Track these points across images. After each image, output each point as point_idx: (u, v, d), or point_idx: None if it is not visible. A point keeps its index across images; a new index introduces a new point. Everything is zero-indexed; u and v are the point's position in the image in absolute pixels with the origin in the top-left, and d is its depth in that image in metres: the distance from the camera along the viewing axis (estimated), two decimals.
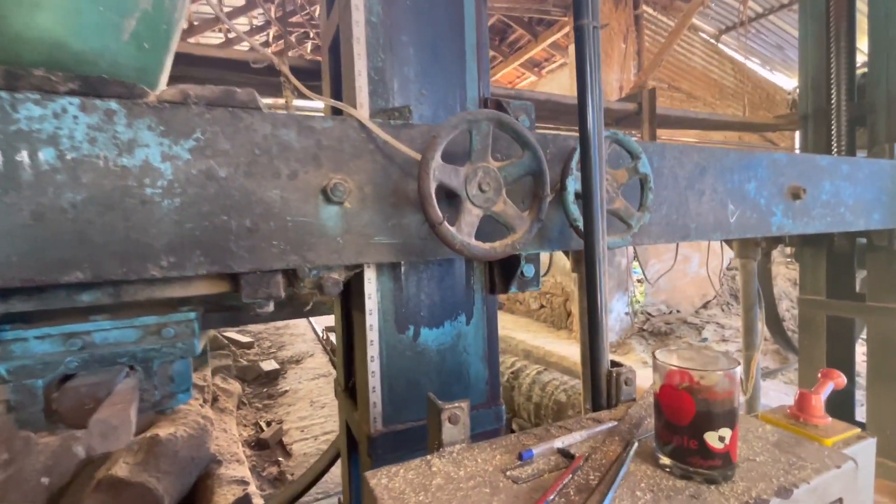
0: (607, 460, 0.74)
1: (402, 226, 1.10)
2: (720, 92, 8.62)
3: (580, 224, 1.15)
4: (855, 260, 2.73)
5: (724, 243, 2.60)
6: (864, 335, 2.83)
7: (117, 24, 0.92)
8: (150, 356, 1.03)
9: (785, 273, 7.44)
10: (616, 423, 0.88)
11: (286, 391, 5.79)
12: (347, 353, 1.63)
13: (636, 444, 0.79)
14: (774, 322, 3.17)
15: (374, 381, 1.18)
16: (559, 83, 9.58)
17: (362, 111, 1.15)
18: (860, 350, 3.22)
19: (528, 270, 1.29)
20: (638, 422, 0.87)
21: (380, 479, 0.71)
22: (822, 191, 1.92)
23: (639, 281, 7.03)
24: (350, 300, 1.42)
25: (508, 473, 0.72)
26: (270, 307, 1.01)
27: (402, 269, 1.21)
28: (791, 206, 1.82)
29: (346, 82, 1.25)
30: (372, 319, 1.18)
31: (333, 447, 2.43)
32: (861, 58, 2.88)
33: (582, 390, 1.73)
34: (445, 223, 0.93)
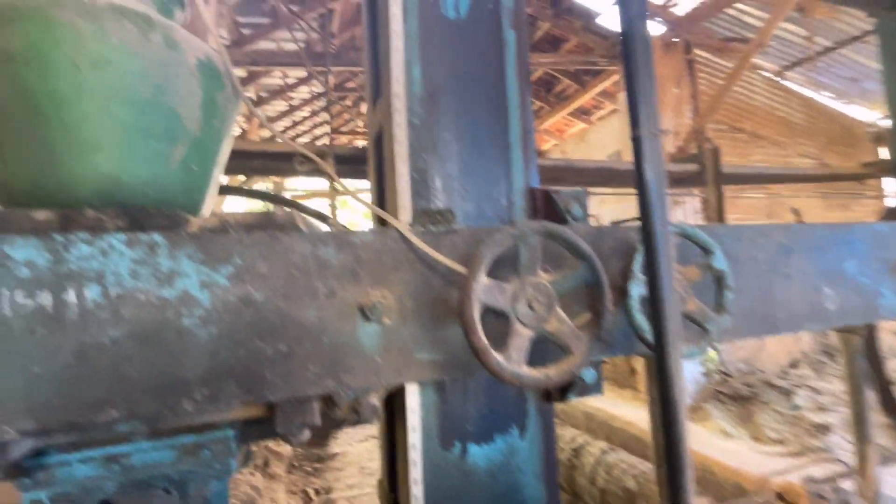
0: None
1: (445, 339, 1.01)
2: (788, 129, 8.09)
3: (648, 336, 1.01)
4: None
5: None
6: None
7: (167, 153, 0.94)
8: (186, 478, 0.99)
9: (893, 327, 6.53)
10: None
11: (336, 454, 5.70)
12: (389, 455, 1.52)
13: None
14: (890, 403, 2.71)
15: None
16: (610, 129, 9.46)
17: (404, 214, 1.11)
18: None
19: (590, 376, 1.15)
20: None
21: None
22: None
23: None
24: (392, 401, 1.33)
25: None
26: (307, 435, 0.94)
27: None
28: None
29: (388, 182, 1.22)
30: (415, 437, 1.08)
31: None
32: None
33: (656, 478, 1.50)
34: (492, 352, 0.84)
